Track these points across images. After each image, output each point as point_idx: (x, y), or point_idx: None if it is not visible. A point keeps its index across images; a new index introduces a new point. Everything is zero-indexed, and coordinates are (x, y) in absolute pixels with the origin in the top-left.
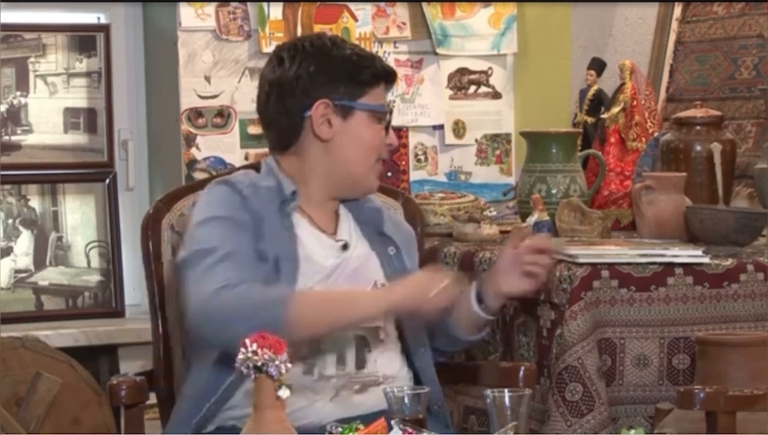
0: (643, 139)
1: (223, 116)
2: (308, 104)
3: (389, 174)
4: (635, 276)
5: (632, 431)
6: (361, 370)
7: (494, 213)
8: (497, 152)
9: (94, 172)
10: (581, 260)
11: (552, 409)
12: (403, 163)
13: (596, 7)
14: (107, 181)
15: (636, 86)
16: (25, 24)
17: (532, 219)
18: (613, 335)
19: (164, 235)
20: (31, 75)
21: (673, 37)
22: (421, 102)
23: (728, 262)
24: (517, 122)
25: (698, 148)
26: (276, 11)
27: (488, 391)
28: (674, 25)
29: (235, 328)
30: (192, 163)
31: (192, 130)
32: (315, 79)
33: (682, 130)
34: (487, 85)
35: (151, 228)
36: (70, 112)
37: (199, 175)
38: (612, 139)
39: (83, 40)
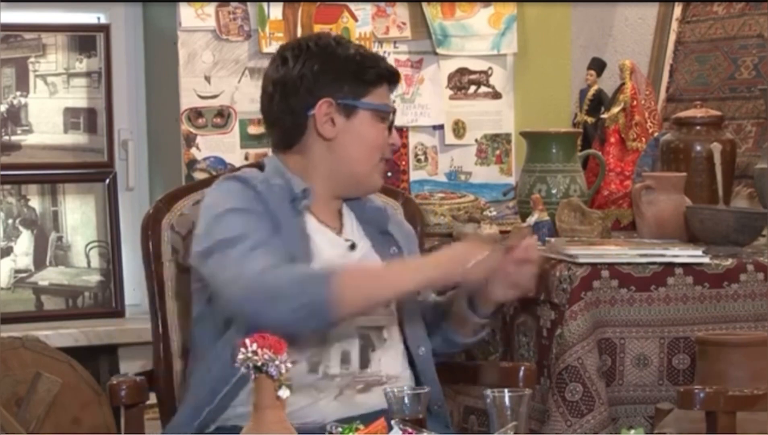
0: (643, 139)
1: (223, 116)
2: (312, 103)
3: (389, 174)
4: (635, 276)
5: (632, 431)
6: (365, 370)
7: (494, 213)
8: (497, 152)
9: (94, 172)
10: (581, 260)
11: (552, 409)
12: (403, 163)
13: (596, 7)
14: (107, 181)
15: (636, 86)
16: (25, 24)
17: (532, 219)
18: (613, 335)
19: (164, 235)
20: (31, 75)
21: (673, 37)
22: (421, 102)
23: (728, 262)
24: (517, 122)
25: (698, 148)
26: (276, 11)
27: (488, 391)
28: (674, 25)
29: (283, 306)
30: (192, 163)
31: (192, 130)
32: (319, 78)
33: (682, 130)
34: (487, 85)
35: (151, 228)
36: (70, 112)
37: (199, 175)
38: (612, 139)
39: (83, 40)
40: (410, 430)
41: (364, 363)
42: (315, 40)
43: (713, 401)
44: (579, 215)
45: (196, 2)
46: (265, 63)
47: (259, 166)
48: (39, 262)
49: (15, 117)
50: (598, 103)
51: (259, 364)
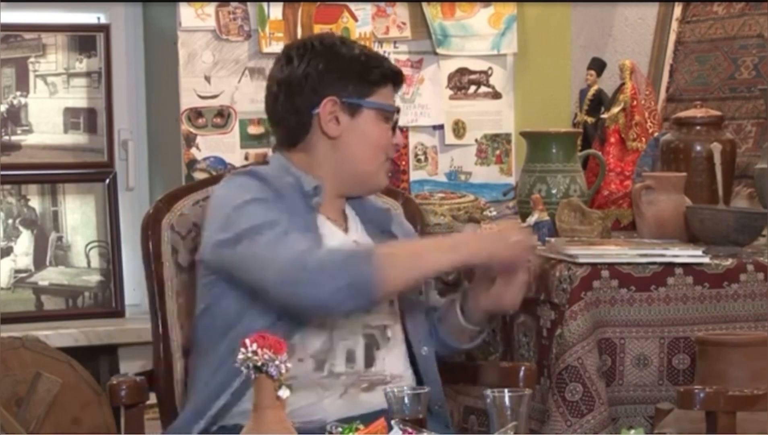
0: (643, 139)
1: (223, 116)
2: (316, 102)
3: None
4: (635, 276)
5: (632, 431)
6: (369, 368)
7: (494, 213)
8: (497, 152)
9: (94, 172)
10: (581, 260)
11: (552, 409)
12: (403, 163)
13: (596, 7)
14: (107, 181)
15: (636, 86)
16: (25, 24)
17: (532, 219)
18: (613, 335)
19: (164, 235)
20: (31, 75)
21: (673, 37)
22: (421, 102)
23: (728, 262)
24: (517, 122)
25: (698, 148)
26: (276, 11)
27: (488, 391)
28: (674, 25)
29: (327, 285)
30: (192, 163)
31: (192, 130)
32: (324, 76)
33: (682, 130)
34: (487, 85)
35: (151, 228)
36: (70, 112)
37: (199, 175)
38: (612, 139)
39: (83, 40)
40: (410, 430)
41: (369, 362)
42: (320, 40)
43: (713, 401)
44: (579, 215)
45: (196, 2)
46: (265, 63)
47: (263, 164)
48: (39, 262)
49: (15, 117)
50: (598, 103)
51: (259, 364)
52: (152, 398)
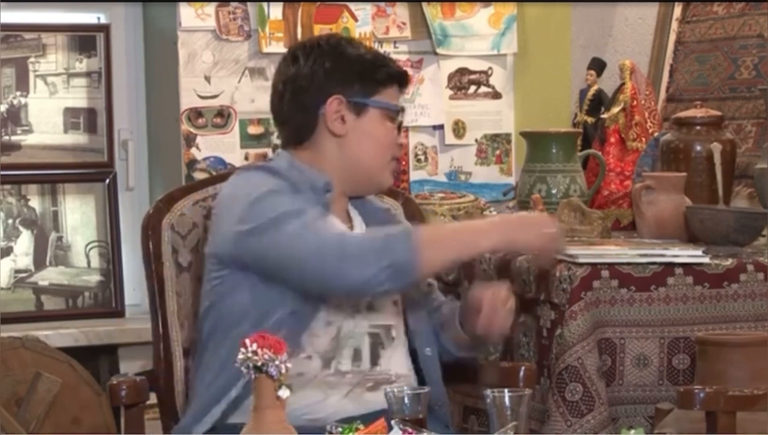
0: (643, 139)
1: (223, 116)
2: (322, 100)
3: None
4: (635, 276)
5: (632, 431)
6: (375, 368)
7: (494, 213)
8: (497, 152)
9: (94, 172)
10: (581, 260)
11: (552, 409)
12: (403, 163)
13: (596, 7)
14: (107, 181)
15: (636, 86)
16: (25, 24)
17: None
18: (613, 335)
19: (164, 235)
20: (31, 75)
21: (673, 37)
22: (421, 102)
23: (728, 262)
24: (517, 122)
25: (698, 148)
26: (276, 11)
27: (488, 391)
28: (674, 25)
29: (367, 267)
30: (192, 163)
31: (192, 130)
32: (330, 75)
33: (682, 130)
34: (487, 85)
35: (151, 228)
36: (70, 112)
37: (199, 175)
38: (612, 139)
39: (83, 40)
40: (410, 430)
41: (374, 361)
42: (326, 39)
43: (713, 401)
44: (579, 215)
45: (196, 2)
46: (265, 63)
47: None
48: (39, 262)
49: (15, 117)
50: (598, 103)
51: (259, 364)
52: (152, 398)
